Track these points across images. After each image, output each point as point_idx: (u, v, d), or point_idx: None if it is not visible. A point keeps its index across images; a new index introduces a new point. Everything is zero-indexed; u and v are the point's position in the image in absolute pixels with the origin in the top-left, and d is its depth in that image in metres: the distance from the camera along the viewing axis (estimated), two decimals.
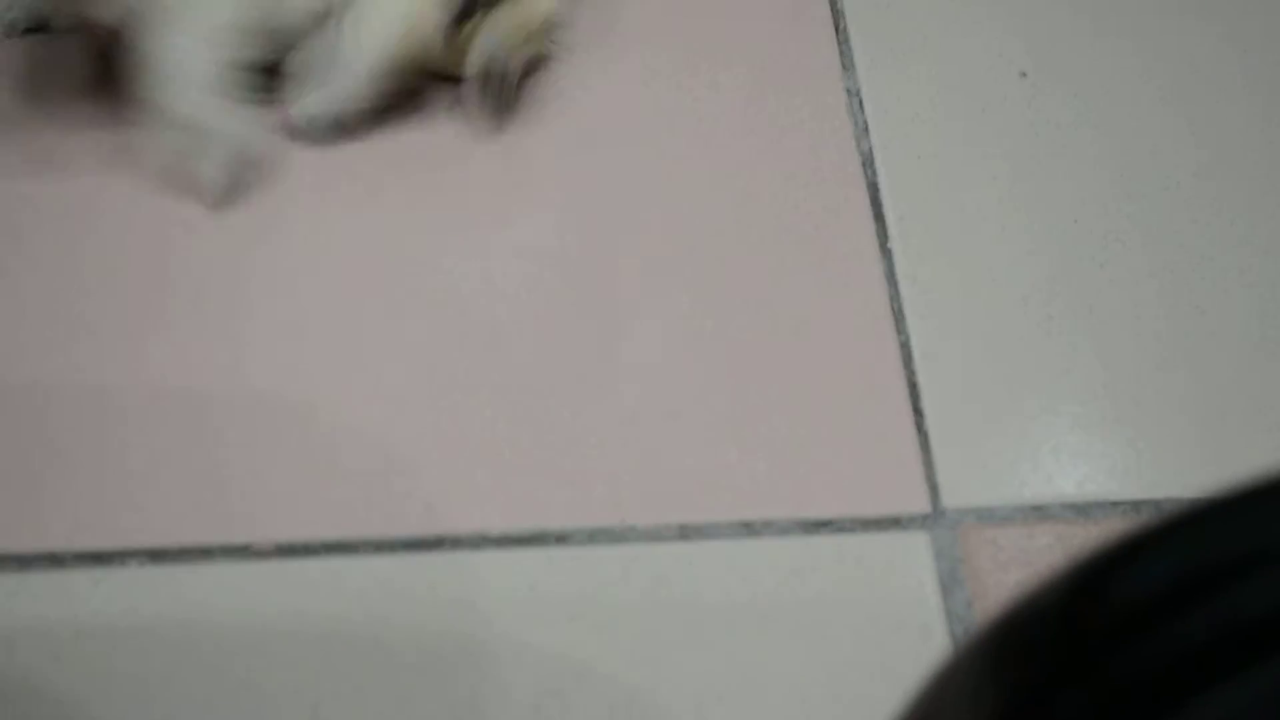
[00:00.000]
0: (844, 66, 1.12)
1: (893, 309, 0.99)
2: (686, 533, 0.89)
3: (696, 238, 1.02)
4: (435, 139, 1.05)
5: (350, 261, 1.00)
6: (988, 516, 0.90)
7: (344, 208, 1.02)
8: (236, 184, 1.01)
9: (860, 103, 1.10)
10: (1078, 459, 0.93)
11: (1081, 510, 0.91)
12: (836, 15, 1.16)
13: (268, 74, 1.03)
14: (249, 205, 1.02)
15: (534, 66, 1.08)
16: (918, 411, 0.94)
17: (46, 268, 0.99)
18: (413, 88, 1.05)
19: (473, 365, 0.95)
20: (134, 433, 0.92)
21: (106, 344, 0.96)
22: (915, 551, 0.89)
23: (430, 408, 0.93)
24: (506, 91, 1.05)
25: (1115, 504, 0.91)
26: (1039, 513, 0.91)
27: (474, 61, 1.03)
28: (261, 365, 0.95)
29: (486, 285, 0.99)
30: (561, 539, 0.88)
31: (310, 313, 0.97)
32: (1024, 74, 1.13)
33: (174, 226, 1.01)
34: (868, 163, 1.06)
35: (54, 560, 0.86)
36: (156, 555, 0.87)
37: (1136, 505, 0.91)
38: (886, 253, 1.01)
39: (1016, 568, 0.89)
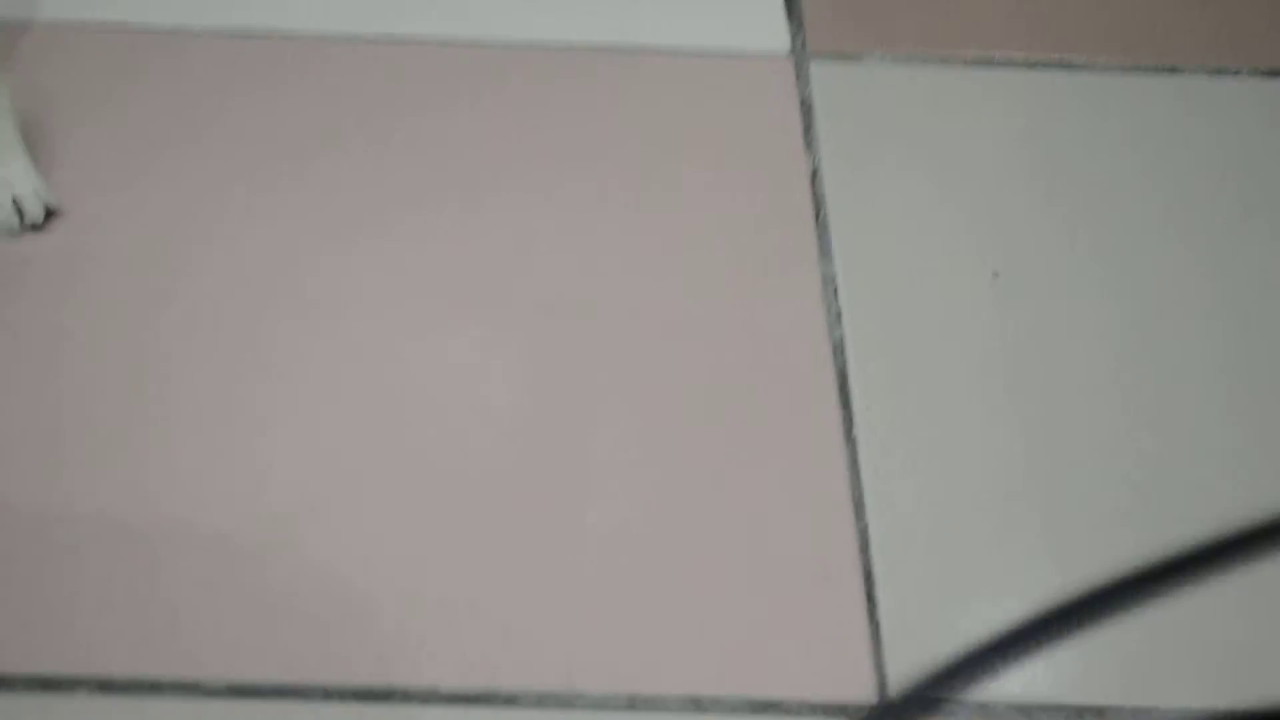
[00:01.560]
0: (821, 253, 1.15)
1: (853, 497, 1.00)
2: (634, 703, 0.89)
3: (666, 414, 1.03)
4: None
5: (327, 389, 1.01)
6: (934, 711, 0.91)
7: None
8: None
9: (835, 290, 1.12)
10: (1025, 660, 0.94)
11: (1026, 712, 0.92)
12: (817, 204, 1.18)
13: None
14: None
15: None
16: (871, 600, 0.95)
17: (23, 386, 1.00)
18: None
19: (437, 518, 0.96)
20: (89, 560, 0.92)
21: (70, 464, 0.96)
22: None
23: (389, 556, 0.94)
24: None
25: (1060, 708, 0.92)
26: (984, 711, 0.92)
27: None
28: (223, 499, 0.95)
29: (456, 440, 1.00)
30: (510, 700, 0.89)
31: (274, 451, 0.98)
32: (996, 274, 1.16)
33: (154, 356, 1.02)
34: (838, 350, 1.08)
35: (3, 683, 0.86)
36: (105, 685, 0.87)
37: (1080, 711, 0.92)
38: (851, 440, 1.03)
39: None
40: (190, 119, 1.22)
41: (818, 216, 1.17)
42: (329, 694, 0.88)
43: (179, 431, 0.99)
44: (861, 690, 0.91)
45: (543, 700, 0.89)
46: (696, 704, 0.90)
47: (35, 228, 1.10)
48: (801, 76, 1.27)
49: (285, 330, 1.06)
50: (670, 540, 0.97)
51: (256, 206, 1.15)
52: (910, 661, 0.93)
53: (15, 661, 0.87)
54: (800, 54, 1.28)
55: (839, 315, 1.11)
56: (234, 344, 1.05)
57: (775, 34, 1.30)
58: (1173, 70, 1.29)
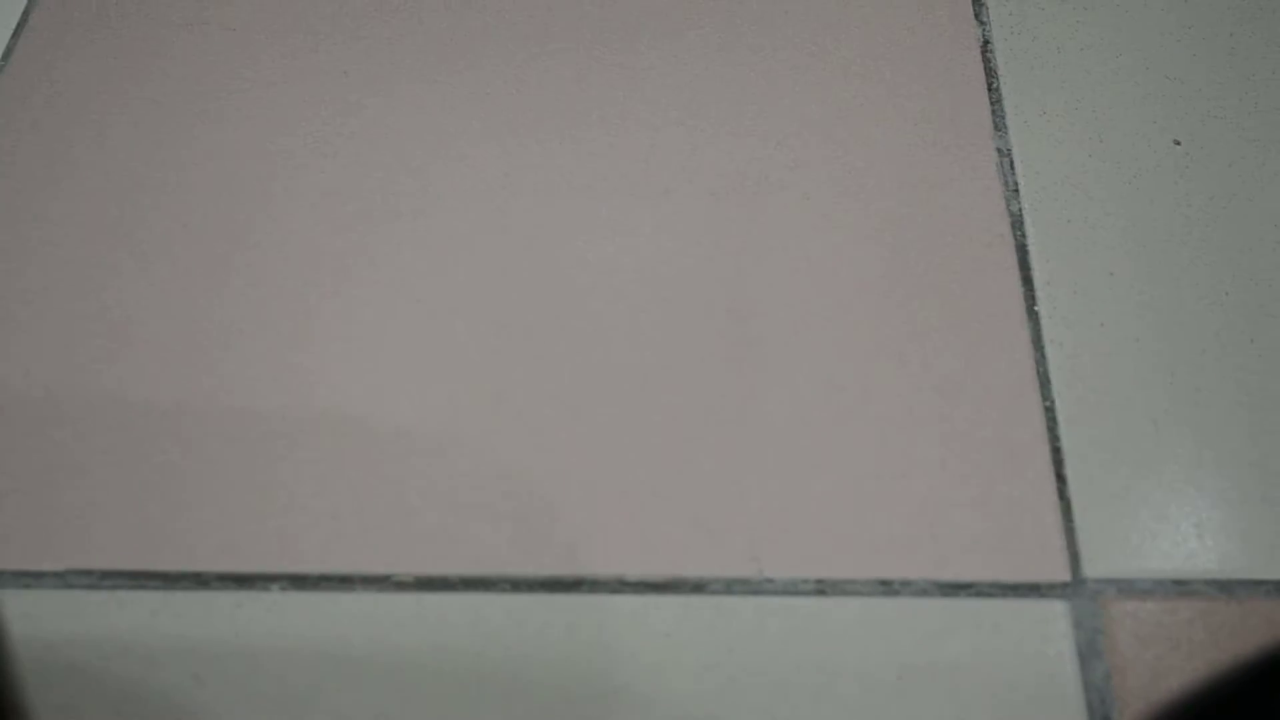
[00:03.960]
0: (995, 126, 1.12)
1: (1038, 373, 0.98)
2: (823, 588, 0.89)
3: (841, 290, 1.02)
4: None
5: (487, 278, 1.01)
6: (1128, 589, 0.89)
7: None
8: None
9: (1011, 163, 1.09)
10: (1222, 535, 0.92)
11: (1225, 588, 0.90)
12: (990, 74, 1.15)
13: None
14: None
15: None
16: (1060, 478, 0.93)
17: (197, 280, 1.01)
18: None
19: (616, 408, 0.96)
20: (280, 457, 0.93)
21: (259, 362, 0.97)
22: (1054, 620, 0.88)
23: (571, 447, 0.94)
24: None
25: (1259, 583, 0.90)
26: (1181, 588, 0.90)
27: None
28: (405, 393, 0.96)
29: (632, 328, 1.00)
30: (697, 587, 0.89)
31: (458, 345, 0.98)
32: (1177, 142, 1.12)
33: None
34: (1017, 224, 1.06)
35: (198, 580, 0.88)
36: (298, 581, 0.88)
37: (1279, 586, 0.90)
38: (1033, 315, 1.01)
39: (1157, 643, 0.88)
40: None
41: (990, 87, 1.14)
42: (517, 585, 0.88)
43: (357, 325, 1.00)
44: (1054, 570, 0.90)
45: (730, 586, 0.89)
46: (886, 587, 0.89)
47: None
48: None
49: (455, 220, 1.06)
50: (851, 421, 0.95)
51: (416, 95, 1.15)
52: (1102, 538, 0.91)
53: (211, 559, 0.88)
54: None
55: (1015, 189, 1.08)
56: (407, 233, 1.05)
57: None
58: None
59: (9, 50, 1.20)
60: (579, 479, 0.93)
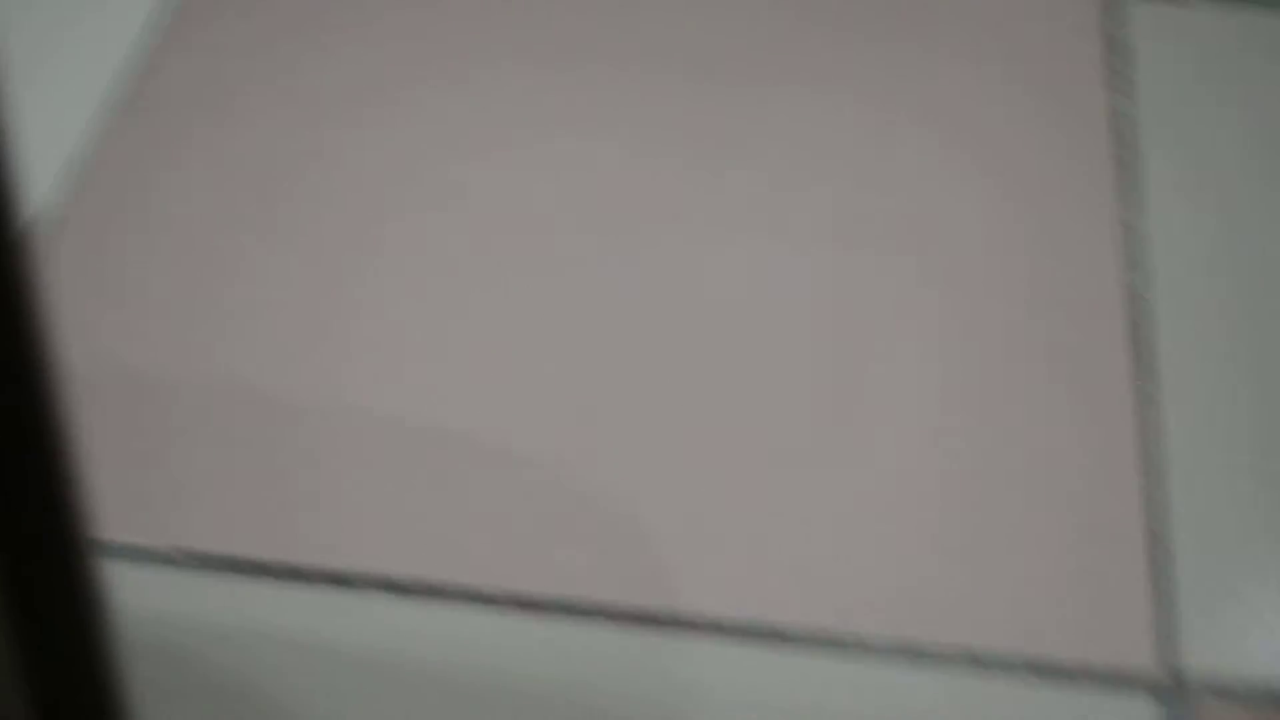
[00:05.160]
0: (1122, 199, 1.12)
1: (1147, 455, 0.98)
2: (911, 651, 0.89)
3: (952, 347, 1.02)
4: None
5: (607, 304, 1.02)
6: (1227, 695, 0.89)
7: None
8: None
9: (1135, 237, 1.09)
10: None
11: None
12: (1120, 146, 1.15)
13: None
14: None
15: None
16: (1162, 568, 0.93)
17: (320, 276, 1.03)
18: None
19: (721, 444, 0.96)
20: (392, 461, 0.94)
21: (376, 367, 0.99)
22: (1145, 717, 0.88)
23: (671, 479, 0.95)
24: None
25: None
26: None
27: None
28: (511, 411, 0.97)
29: (743, 364, 1.00)
30: (786, 637, 0.89)
31: (573, 365, 0.99)
32: None
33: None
34: (1136, 300, 1.06)
35: (299, 575, 0.89)
36: (394, 586, 0.89)
37: None
38: (1146, 397, 1.01)
39: None
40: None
41: (1120, 159, 1.14)
42: (605, 613, 0.89)
43: (468, 339, 1.01)
44: (1148, 662, 0.90)
45: (818, 638, 0.89)
46: (974, 658, 0.89)
47: None
48: (1112, 13, 1.23)
49: (572, 239, 1.07)
50: (951, 482, 0.96)
51: (548, 114, 1.16)
52: (1203, 637, 0.91)
53: (312, 556, 0.90)
54: None
55: (1137, 264, 1.08)
56: (521, 250, 1.06)
57: None
58: None
59: (164, 32, 1.22)
60: (675, 512, 0.93)
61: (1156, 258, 1.09)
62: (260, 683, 0.85)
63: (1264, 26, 1.23)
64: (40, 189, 1.09)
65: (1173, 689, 0.88)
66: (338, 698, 0.85)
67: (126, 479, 0.93)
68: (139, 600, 0.88)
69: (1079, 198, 1.12)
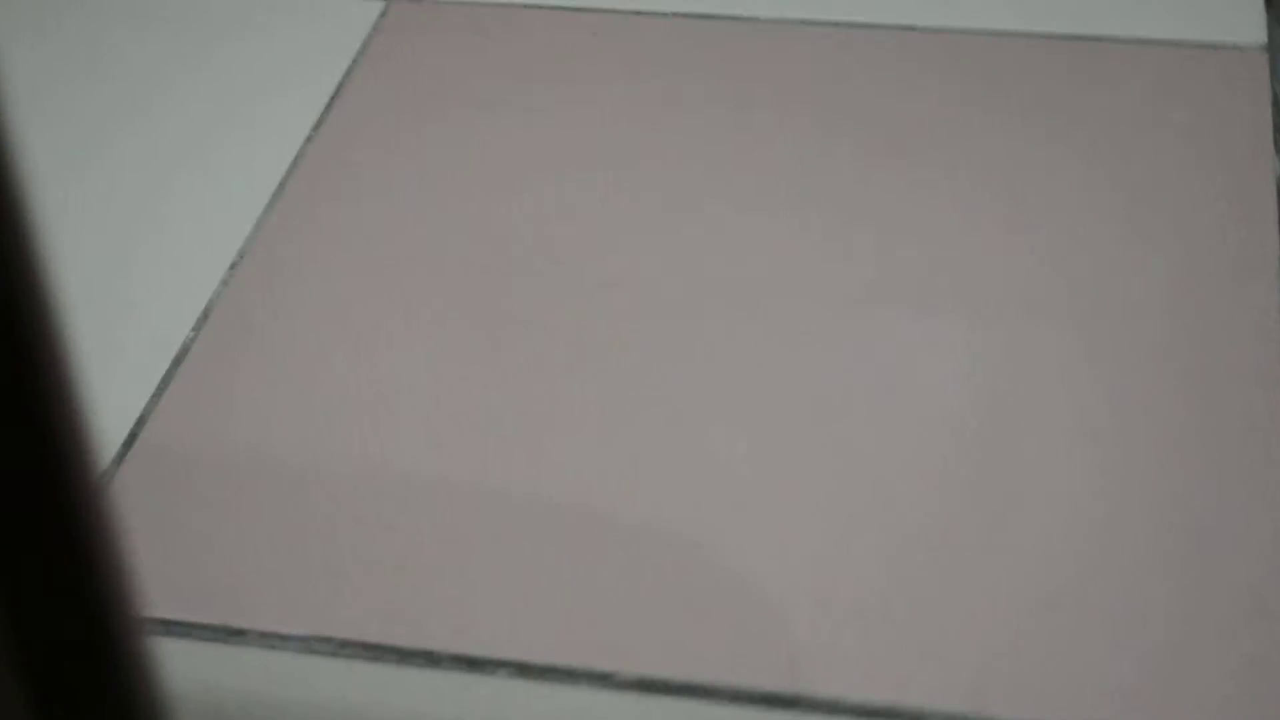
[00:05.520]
0: None
1: None
2: None
3: (1106, 421, 1.00)
4: None
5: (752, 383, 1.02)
6: None
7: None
8: None
9: None
10: None
11: None
12: None
13: None
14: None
15: None
16: None
17: (463, 357, 1.05)
18: None
19: (856, 521, 0.96)
20: (520, 542, 0.95)
21: (512, 445, 1.00)
22: None
23: (805, 558, 0.94)
24: None
25: None
26: None
27: None
28: (644, 492, 0.98)
29: (880, 441, 0.99)
30: (917, 718, 0.88)
31: (712, 446, 1.00)
32: None
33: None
34: None
35: (430, 659, 0.91)
36: (524, 669, 0.90)
37: None
38: None
39: None
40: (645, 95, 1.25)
41: None
42: (737, 696, 0.89)
43: (602, 420, 1.02)
44: None
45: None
46: None
47: None
48: (1277, 73, 1.20)
49: (714, 314, 1.08)
50: (1096, 560, 0.93)
51: (710, 195, 1.17)
52: None
53: (444, 640, 0.91)
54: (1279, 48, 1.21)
55: None
56: (661, 327, 1.07)
57: (1251, 26, 1.24)
58: None
59: (320, 119, 1.26)
60: (809, 592, 0.93)
61: None
62: None
63: None
64: (209, 275, 1.13)
65: None
66: None
67: (263, 566, 0.95)
68: (279, 688, 0.90)
69: (1243, 267, 1.09)
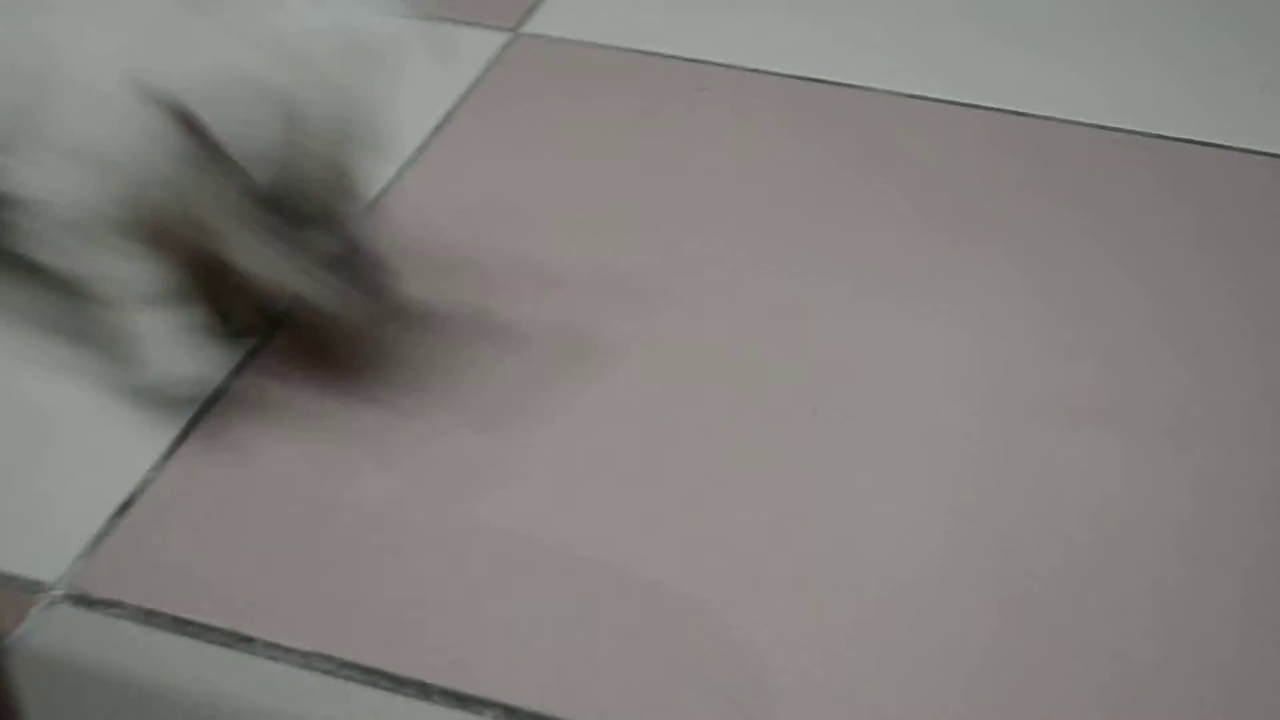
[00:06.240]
0: None
1: None
2: None
3: (1198, 555, 0.98)
4: None
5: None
6: None
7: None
8: None
9: None
10: None
11: None
12: None
13: None
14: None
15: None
16: None
17: (559, 413, 1.06)
18: None
19: (859, 607, 0.95)
20: (534, 590, 0.96)
21: (537, 496, 1.01)
22: None
23: (810, 644, 0.93)
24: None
25: None
26: None
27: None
28: (661, 555, 0.98)
29: (898, 538, 0.99)
30: None
31: (724, 514, 1.00)
32: None
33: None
34: None
35: (422, 690, 0.91)
36: (512, 713, 0.90)
37: None
38: None
39: None
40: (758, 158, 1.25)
41: None
42: None
43: (628, 481, 1.02)
44: None
45: None
46: None
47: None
48: None
49: (776, 390, 1.08)
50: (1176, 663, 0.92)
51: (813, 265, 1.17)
52: None
53: (440, 673, 0.92)
54: None
55: None
56: (724, 402, 1.07)
57: None
58: None
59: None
60: (812, 680, 0.92)
61: None
62: None
63: None
64: None
65: None
66: None
67: (278, 580, 0.97)
68: (273, 699, 0.91)
69: None
